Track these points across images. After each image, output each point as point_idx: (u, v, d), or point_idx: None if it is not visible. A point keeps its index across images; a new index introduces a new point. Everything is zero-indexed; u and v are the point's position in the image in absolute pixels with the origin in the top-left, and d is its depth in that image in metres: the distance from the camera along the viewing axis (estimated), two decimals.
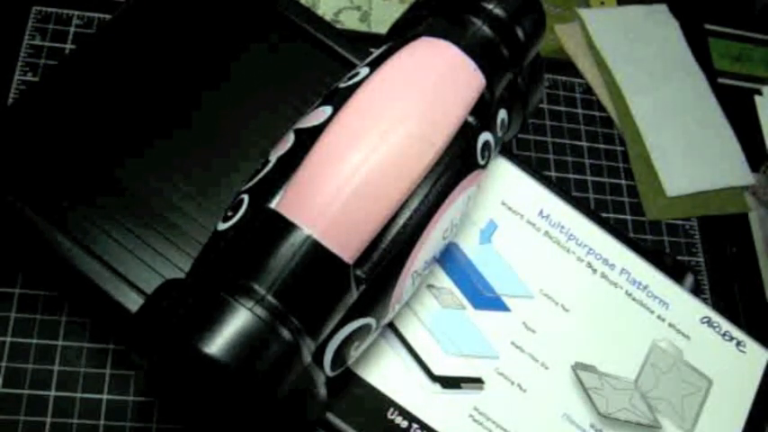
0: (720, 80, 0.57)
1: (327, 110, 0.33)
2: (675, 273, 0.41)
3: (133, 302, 0.34)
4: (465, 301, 0.37)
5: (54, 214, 0.36)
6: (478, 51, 0.35)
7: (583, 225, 0.40)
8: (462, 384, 0.36)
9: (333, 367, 0.31)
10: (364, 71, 0.34)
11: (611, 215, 0.50)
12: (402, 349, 0.36)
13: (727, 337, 0.40)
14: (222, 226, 0.31)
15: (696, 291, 0.41)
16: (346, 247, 0.30)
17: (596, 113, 0.53)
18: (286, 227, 0.29)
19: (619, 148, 0.52)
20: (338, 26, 0.51)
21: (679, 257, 0.49)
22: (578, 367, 0.37)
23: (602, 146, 0.52)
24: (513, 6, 0.36)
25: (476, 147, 0.35)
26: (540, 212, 0.40)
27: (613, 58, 0.55)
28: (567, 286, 0.39)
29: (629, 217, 0.50)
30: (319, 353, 0.30)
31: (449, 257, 0.38)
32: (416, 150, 0.32)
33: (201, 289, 0.29)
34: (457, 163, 0.33)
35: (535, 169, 0.42)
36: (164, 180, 0.38)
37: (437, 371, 0.36)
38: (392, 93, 0.33)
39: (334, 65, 0.42)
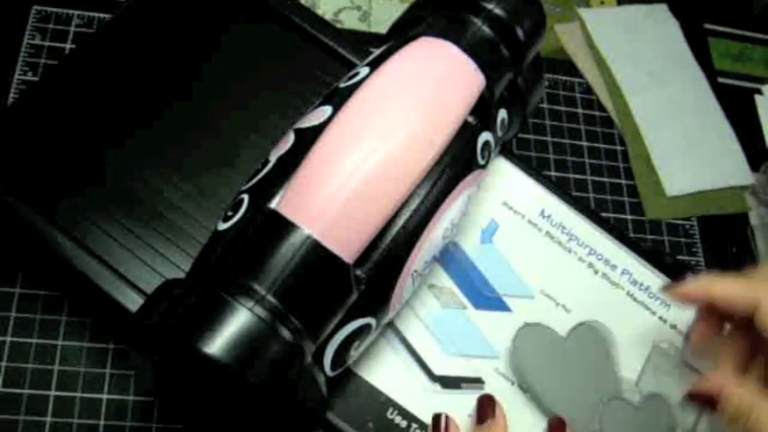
0: (720, 80, 0.57)
1: (327, 110, 0.33)
2: (676, 273, 0.41)
3: (133, 302, 0.34)
4: (466, 301, 0.37)
5: (54, 214, 0.36)
6: (478, 51, 0.35)
7: (584, 225, 0.40)
8: (462, 384, 0.36)
9: (333, 367, 0.31)
10: (364, 71, 0.34)
11: (611, 215, 0.49)
12: (402, 349, 0.36)
13: None
14: (222, 226, 0.31)
15: None
16: (346, 246, 0.30)
17: (596, 113, 0.53)
18: (286, 227, 0.29)
19: (619, 148, 0.52)
20: (338, 26, 0.51)
21: (679, 257, 0.49)
22: None
23: (602, 145, 0.52)
24: (513, 6, 0.36)
25: (476, 146, 0.35)
26: (542, 213, 0.40)
27: (613, 57, 0.54)
28: (568, 287, 0.39)
29: (629, 217, 0.50)
30: (319, 353, 0.30)
31: (450, 257, 0.38)
32: (416, 150, 0.32)
33: (202, 289, 0.29)
34: (457, 163, 0.33)
35: (535, 169, 0.42)
36: (164, 180, 0.38)
37: (437, 371, 0.36)
38: (392, 93, 0.33)
39: (334, 65, 0.42)
